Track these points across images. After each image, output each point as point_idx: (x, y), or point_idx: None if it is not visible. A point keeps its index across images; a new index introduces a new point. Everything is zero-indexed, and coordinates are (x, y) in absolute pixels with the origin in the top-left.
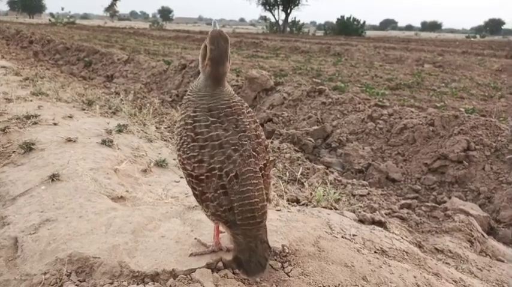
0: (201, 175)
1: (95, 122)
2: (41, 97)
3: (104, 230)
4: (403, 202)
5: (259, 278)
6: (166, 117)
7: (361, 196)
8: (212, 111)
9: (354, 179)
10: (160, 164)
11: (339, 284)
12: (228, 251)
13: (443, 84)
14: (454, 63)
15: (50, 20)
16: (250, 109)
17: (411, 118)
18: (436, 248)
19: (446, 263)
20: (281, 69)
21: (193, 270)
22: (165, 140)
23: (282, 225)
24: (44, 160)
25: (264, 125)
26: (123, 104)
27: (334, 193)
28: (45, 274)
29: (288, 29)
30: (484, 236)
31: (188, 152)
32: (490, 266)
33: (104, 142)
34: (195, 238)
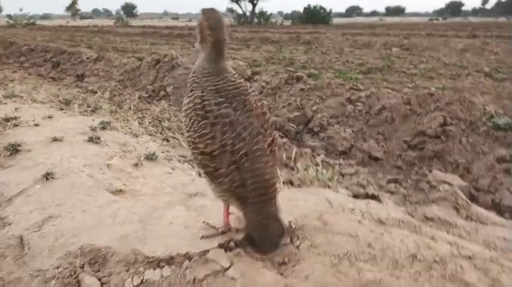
0: (214, 150)
1: (76, 120)
2: (15, 99)
3: (110, 221)
4: (389, 177)
5: (271, 254)
6: (147, 113)
7: (350, 174)
8: (220, 93)
9: (341, 160)
10: (151, 157)
11: (347, 253)
12: (238, 232)
13: (412, 66)
14: (420, 45)
15: (8, 22)
16: (253, 88)
17: (388, 99)
18: (426, 217)
19: (438, 229)
20: (254, 60)
21: (206, 251)
22: (150, 135)
23: (285, 203)
24: (33, 160)
25: None
26: (101, 102)
27: (327, 172)
28: (57, 268)
29: (256, 20)
30: (468, 203)
31: (200, 130)
32: (477, 229)
33: (91, 139)
34: (204, 222)
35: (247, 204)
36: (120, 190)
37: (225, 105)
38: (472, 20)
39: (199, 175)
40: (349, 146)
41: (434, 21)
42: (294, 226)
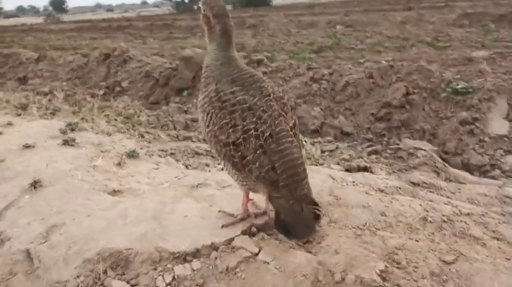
0: (238, 138)
1: (40, 125)
2: None
3: (121, 222)
4: (369, 149)
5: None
6: (110, 111)
7: (331, 151)
8: (236, 82)
9: (320, 138)
10: (132, 155)
11: (365, 223)
12: (256, 217)
13: (358, 42)
14: (361, 21)
15: None
16: (265, 78)
17: (351, 74)
18: (412, 182)
19: (429, 191)
20: (204, 48)
21: (231, 239)
22: (122, 133)
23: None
24: (11, 170)
25: None
26: (57, 103)
27: (316, 151)
28: (78, 277)
29: (195, 6)
30: (445, 166)
31: (220, 121)
32: (459, 189)
33: (66, 142)
34: (219, 211)
35: (278, 188)
36: (118, 190)
37: (242, 92)
38: None
39: (187, 167)
40: (320, 124)
41: None
42: None
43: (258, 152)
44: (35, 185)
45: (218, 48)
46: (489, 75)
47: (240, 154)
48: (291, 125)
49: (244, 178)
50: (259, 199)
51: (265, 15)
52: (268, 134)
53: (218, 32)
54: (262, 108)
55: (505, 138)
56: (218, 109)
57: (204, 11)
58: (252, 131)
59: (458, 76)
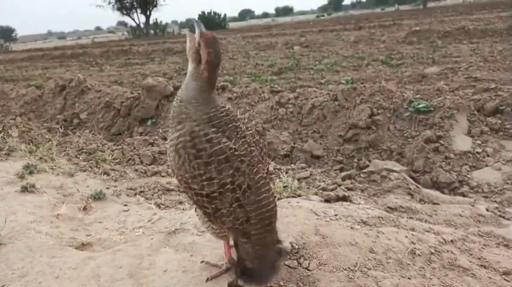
0: (213, 192)
1: None
2: None
3: (95, 283)
4: (343, 174)
5: (272, 282)
6: (70, 146)
7: (305, 178)
8: (213, 122)
9: (292, 165)
10: (98, 197)
11: (356, 263)
12: None
13: (317, 62)
14: (317, 41)
15: None
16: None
17: (316, 97)
18: (389, 207)
19: (409, 217)
20: (164, 73)
21: None
22: (84, 171)
23: (278, 223)
24: None
25: None
26: (12, 142)
27: (293, 180)
28: None
29: (152, 31)
30: (418, 187)
31: (192, 170)
32: (435, 211)
33: (25, 189)
34: (202, 262)
35: (249, 237)
36: (87, 243)
37: (218, 135)
38: (353, 13)
39: (159, 206)
40: (290, 149)
41: (321, 18)
42: (296, 247)
43: (233, 205)
44: None
45: (198, 89)
46: (447, 93)
47: (214, 206)
48: (266, 170)
49: (215, 226)
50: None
51: (222, 38)
52: (246, 186)
53: (204, 78)
54: (240, 157)
55: (469, 154)
56: (193, 156)
57: (198, 44)
58: (229, 185)
59: (419, 95)
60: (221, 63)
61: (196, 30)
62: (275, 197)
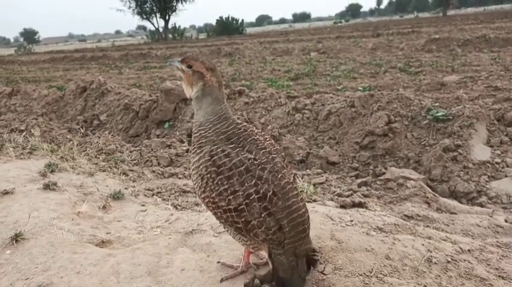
0: (240, 204)
1: (17, 166)
2: None
3: (114, 280)
4: (359, 180)
5: None
6: (90, 147)
7: (321, 183)
8: (232, 139)
9: (308, 170)
10: (117, 196)
11: (371, 269)
12: (258, 267)
13: (334, 68)
14: (334, 48)
15: None
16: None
17: (333, 103)
18: (406, 215)
19: (426, 226)
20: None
21: None
22: (104, 171)
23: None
24: None
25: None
26: (34, 141)
27: (308, 186)
28: None
29: (170, 35)
30: (435, 196)
31: (217, 188)
32: (452, 220)
33: (47, 187)
34: (219, 262)
35: (283, 247)
36: (107, 241)
37: (237, 151)
38: (371, 19)
39: (176, 207)
40: (306, 155)
41: (339, 24)
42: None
43: (262, 215)
44: (17, 238)
45: (215, 101)
46: (466, 102)
47: (243, 219)
48: (292, 177)
49: (248, 240)
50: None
51: (239, 43)
52: (271, 193)
53: (216, 84)
54: (260, 165)
55: (488, 164)
56: (215, 174)
57: (190, 67)
58: (254, 194)
59: (437, 103)
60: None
61: (173, 62)
62: (305, 202)
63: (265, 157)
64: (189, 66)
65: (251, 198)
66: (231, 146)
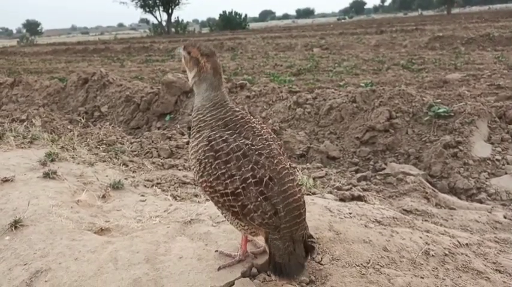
0: (236, 188)
1: (17, 155)
2: None
3: (112, 266)
4: (359, 175)
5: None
6: (90, 137)
7: (321, 177)
8: (229, 126)
9: (308, 164)
10: (117, 186)
11: (369, 260)
12: (256, 256)
13: (336, 64)
14: (337, 44)
15: None
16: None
17: (334, 98)
18: (405, 210)
19: (424, 220)
20: (184, 70)
21: (232, 283)
22: (104, 161)
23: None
24: None
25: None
26: (35, 131)
27: (308, 179)
28: None
29: (173, 29)
30: (434, 191)
31: (215, 172)
32: (451, 215)
33: (47, 175)
34: (216, 251)
35: (279, 231)
36: (106, 228)
37: (234, 137)
38: (375, 16)
39: (175, 198)
40: (306, 149)
41: (342, 21)
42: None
43: (259, 199)
44: (16, 224)
45: (210, 88)
46: (468, 99)
47: (240, 203)
48: (288, 163)
49: (245, 225)
50: (258, 237)
51: (242, 38)
52: (267, 177)
53: (210, 71)
54: (257, 151)
55: (488, 161)
56: (212, 159)
57: (189, 53)
58: (250, 179)
59: (439, 100)
60: (218, 54)
61: (178, 50)
62: (301, 188)
63: (261, 143)
64: (189, 53)
65: (248, 182)
66: (229, 132)
